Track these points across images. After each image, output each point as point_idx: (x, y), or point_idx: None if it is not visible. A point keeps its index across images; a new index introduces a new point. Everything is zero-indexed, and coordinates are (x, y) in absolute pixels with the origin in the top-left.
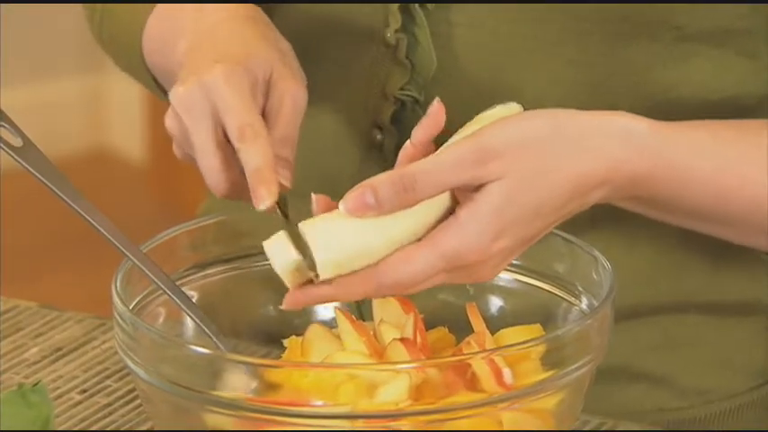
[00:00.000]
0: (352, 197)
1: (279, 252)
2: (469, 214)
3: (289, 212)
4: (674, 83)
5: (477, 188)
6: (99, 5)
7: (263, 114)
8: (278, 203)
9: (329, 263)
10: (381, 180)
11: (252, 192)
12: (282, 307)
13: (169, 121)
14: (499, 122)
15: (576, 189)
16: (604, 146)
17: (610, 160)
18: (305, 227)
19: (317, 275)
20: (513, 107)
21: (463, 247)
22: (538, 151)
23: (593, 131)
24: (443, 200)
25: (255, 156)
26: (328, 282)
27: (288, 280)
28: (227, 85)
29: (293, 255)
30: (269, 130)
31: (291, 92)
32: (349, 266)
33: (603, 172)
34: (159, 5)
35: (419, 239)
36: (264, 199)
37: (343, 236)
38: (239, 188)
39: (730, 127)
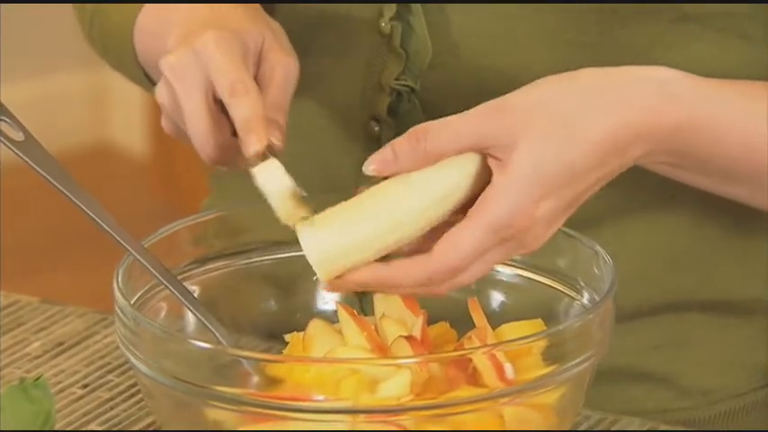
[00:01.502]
0: (374, 156)
1: (272, 178)
2: (506, 178)
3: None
4: (674, 65)
5: (508, 153)
6: (89, 6)
7: (255, 81)
8: (268, 151)
9: (324, 260)
10: (399, 137)
11: (241, 140)
12: (330, 288)
13: (160, 93)
14: (519, 89)
15: (611, 144)
16: (638, 96)
17: (646, 110)
18: (300, 229)
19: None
20: None
21: (507, 213)
22: (561, 108)
23: (624, 83)
24: (458, 171)
25: (245, 108)
26: (385, 265)
27: (281, 209)
28: (217, 50)
29: (287, 182)
30: (261, 95)
31: (282, 63)
32: (345, 260)
33: (639, 123)
34: (149, 5)
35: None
36: (253, 144)
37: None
38: (229, 153)
39: (758, 85)
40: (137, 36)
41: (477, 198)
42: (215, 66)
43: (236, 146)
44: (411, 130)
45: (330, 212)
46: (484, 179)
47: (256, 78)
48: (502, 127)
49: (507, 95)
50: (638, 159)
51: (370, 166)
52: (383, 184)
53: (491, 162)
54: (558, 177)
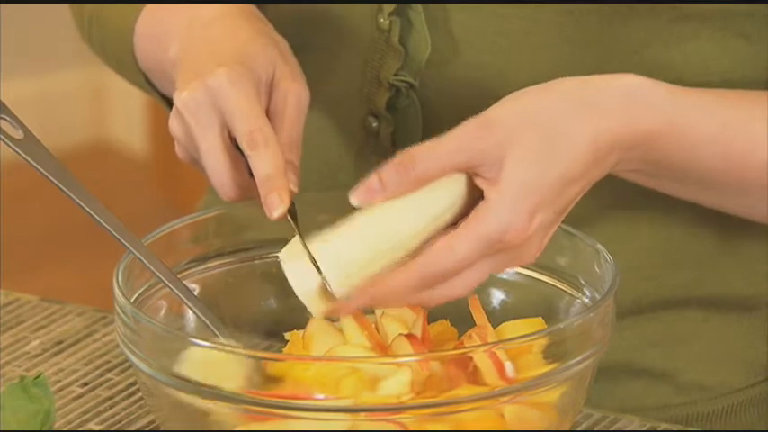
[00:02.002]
0: (359, 187)
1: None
2: (499, 194)
3: (297, 217)
4: (673, 63)
5: (496, 171)
6: (87, 8)
7: (267, 115)
8: (288, 210)
9: (342, 279)
10: (385, 166)
11: (263, 200)
12: (327, 314)
13: (173, 125)
14: (501, 101)
15: (593, 152)
16: (612, 104)
17: (621, 118)
18: (315, 250)
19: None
20: None
21: (503, 227)
22: (544, 119)
23: (598, 92)
24: (449, 192)
25: (266, 163)
26: (371, 282)
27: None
28: (232, 89)
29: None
30: (275, 129)
31: (294, 92)
32: (359, 276)
33: (616, 131)
34: (149, 5)
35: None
36: (277, 207)
37: (349, 249)
38: (246, 190)
39: (735, 93)
40: (137, 42)
41: (466, 216)
42: (232, 110)
43: (254, 184)
44: (397, 158)
45: (319, 244)
46: (472, 198)
47: (269, 110)
48: (488, 145)
49: (488, 110)
50: (613, 168)
51: (356, 198)
52: (372, 209)
53: (479, 181)
54: (548, 189)
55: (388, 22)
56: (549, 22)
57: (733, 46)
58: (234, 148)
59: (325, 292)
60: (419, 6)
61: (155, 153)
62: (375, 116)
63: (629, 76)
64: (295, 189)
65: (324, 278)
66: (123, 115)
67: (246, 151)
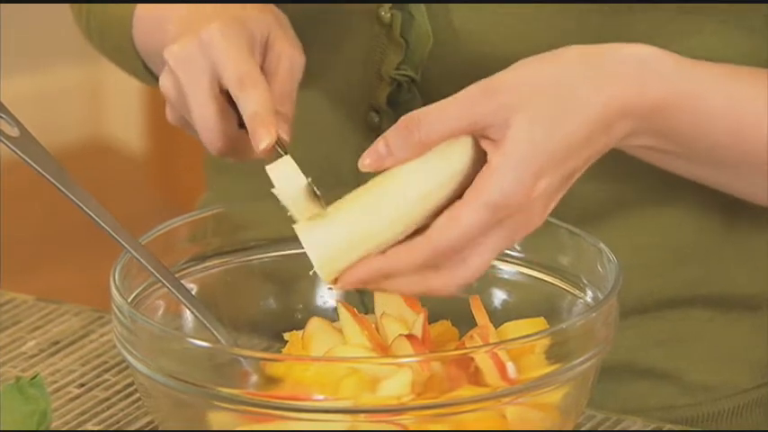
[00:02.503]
0: (366, 153)
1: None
2: (502, 157)
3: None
4: None
5: (502, 132)
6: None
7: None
8: (278, 145)
9: (326, 261)
10: (390, 129)
11: (251, 134)
12: (335, 288)
13: (164, 82)
14: (506, 69)
15: (600, 119)
16: (623, 72)
17: (631, 86)
18: (299, 230)
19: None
20: None
21: (506, 192)
22: (552, 83)
23: (608, 59)
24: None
25: (254, 101)
26: (381, 254)
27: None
28: (224, 39)
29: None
30: (268, 85)
31: (288, 53)
32: (347, 259)
33: (624, 99)
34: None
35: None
36: (263, 138)
37: (336, 230)
38: (234, 144)
39: (744, 69)
40: (136, 26)
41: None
42: (221, 56)
43: (243, 137)
44: (401, 120)
45: (330, 210)
46: (479, 162)
47: (262, 68)
48: (494, 107)
49: (496, 75)
50: (623, 140)
51: (364, 162)
52: (378, 177)
53: (485, 143)
54: (555, 153)
55: (389, 15)
56: (551, 15)
57: (737, 39)
58: (224, 101)
59: (305, 199)
60: None
61: (152, 151)
62: (376, 111)
63: (639, 45)
64: (286, 137)
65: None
66: (120, 113)
67: (235, 93)
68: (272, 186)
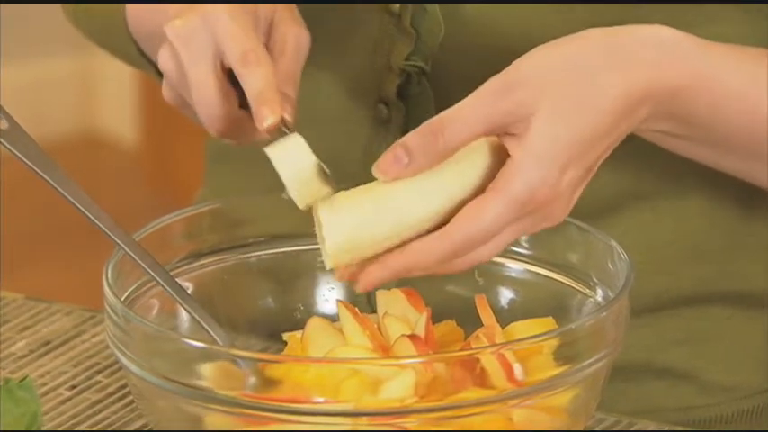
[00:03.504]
0: (383, 159)
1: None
2: (525, 152)
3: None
4: None
5: (524, 127)
6: None
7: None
8: (282, 125)
9: (340, 248)
10: (410, 134)
11: (254, 113)
12: (358, 290)
13: (163, 58)
14: (526, 55)
15: (624, 104)
16: (642, 55)
17: (651, 69)
18: (319, 209)
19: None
20: None
21: (531, 187)
22: (571, 70)
23: (626, 42)
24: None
25: (259, 79)
26: (399, 251)
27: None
28: (228, 17)
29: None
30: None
31: (294, 32)
32: (361, 253)
33: (646, 83)
34: None
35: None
36: (267, 116)
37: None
38: (235, 125)
39: (764, 52)
40: (131, 7)
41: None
42: (225, 33)
43: (244, 119)
44: (425, 126)
45: (350, 199)
46: (500, 158)
47: (267, 48)
48: (515, 104)
49: (514, 66)
50: (642, 124)
51: (381, 171)
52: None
53: (507, 139)
54: (579, 145)
55: (399, 5)
56: (565, 6)
57: (757, 27)
58: (226, 81)
59: (315, 179)
60: None
61: (146, 144)
62: (385, 104)
63: (657, 27)
64: (290, 119)
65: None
66: (113, 104)
67: (239, 70)
68: (274, 180)
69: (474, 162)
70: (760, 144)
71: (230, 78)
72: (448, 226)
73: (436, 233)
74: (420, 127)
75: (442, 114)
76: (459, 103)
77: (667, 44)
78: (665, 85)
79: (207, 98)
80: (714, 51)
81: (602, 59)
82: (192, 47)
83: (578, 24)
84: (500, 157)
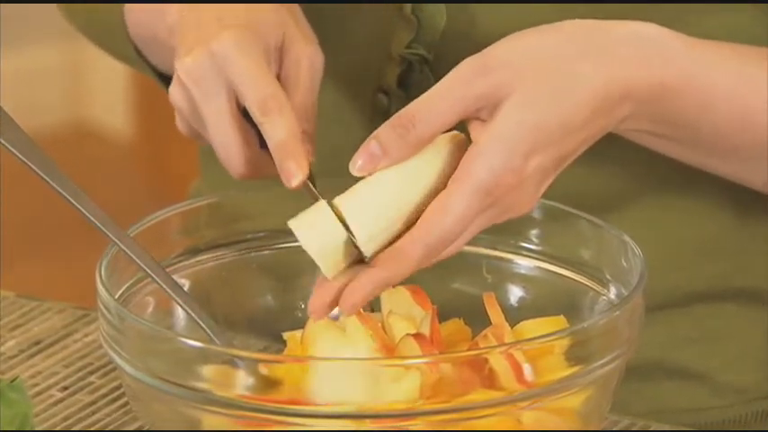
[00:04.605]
0: (358, 154)
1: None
2: (490, 136)
3: (316, 185)
4: (707, 33)
5: (491, 112)
6: None
7: (279, 81)
8: (309, 179)
9: (370, 238)
10: (382, 127)
11: (279, 167)
12: (343, 316)
13: (175, 95)
14: (502, 40)
15: (602, 99)
16: (626, 51)
17: (633, 67)
18: (340, 203)
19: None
20: None
21: (494, 172)
22: (550, 58)
23: (613, 36)
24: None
25: (281, 129)
26: (371, 267)
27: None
28: (240, 54)
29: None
30: (288, 96)
31: (307, 55)
32: (384, 237)
33: (626, 80)
34: None
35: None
36: (296, 174)
37: (374, 206)
38: (257, 166)
39: (755, 50)
40: (129, 9)
41: None
42: (239, 74)
43: (265, 158)
44: (394, 118)
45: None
46: (463, 147)
47: (280, 77)
48: (488, 88)
49: (489, 49)
50: (622, 123)
51: (357, 166)
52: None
53: (473, 125)
54: (548, 133)
55: None
56: None
57: (759, 20)
58: (243, 120)
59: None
60: None
61: (140, 135)
62: (385, 93)
63: (645, 24)
64: (310, 158)
65: (351, 233)
66: (105, 93)
67: (259, 119)
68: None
69: (442, 146)
70: (750, 146)
71: (247, 115)
72: (414, 229)
73: (406, 238)
74: (392, 119)
75: (413, 104)
76: (430, 91)
77: (653, 42)
78: (649, 84)
79: (226, 140)
80: (702, 50)
81: (582, 50)
82: (205, 87)
83: (584, 13)
84: (463, 141)
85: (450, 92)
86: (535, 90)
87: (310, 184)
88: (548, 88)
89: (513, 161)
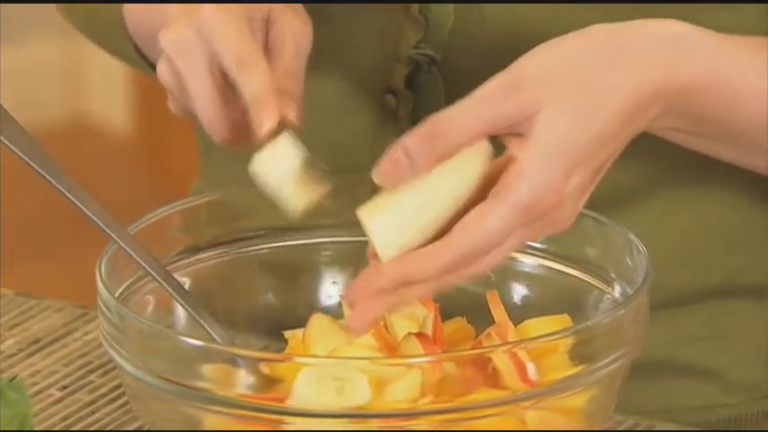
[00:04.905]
0: (383, 162)
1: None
2: (530, 154)
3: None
4: (722, 27)
5: (528, 127)
6: None
7: (264, 53)
8: (285, 125)
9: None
10: (409, 137)
11: (252, 118)
12: (352, 328)
13: (162, 71)
14: (530, 53)
15: (633, 105)
16: (653, 52)
17: (661, 67)
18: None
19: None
20: None
21: (534, 192)
22: (581, 69)
23: (638, 39)
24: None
25: (255, 82)
26: (397, 259)
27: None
28: (221, 21)
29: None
30: (272, 65)
31: (292, 27)
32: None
33: (656, 81)
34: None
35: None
36: (265, 120)
37: (399, 222)
38: (240, 132)
39: None
40: (129, 8)
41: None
42: (219, 38)
43: (250, 124)
44: (426, 126)
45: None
46: (503, 158)
47: (266, 47)
48: (520, 104)
49: (518, 64)
50: (652, 123)
51: (381, 175)
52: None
53: (509, 139)
54: (586, 147)
55: None
56: None
57: None
58: (226, 87)
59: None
60: None
61: (140, 131)
62: (393, 93)
63: (669, 22)
64: (294, 119)
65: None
66: (105, 90)
67: (234, 74)
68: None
69: (475, 158)
70: None
71: (233, 85)
72: (448, 236)
73: (438, 242)
74: (420, 129)
75: (443, 115)
76: (460, 104)
77: (679, 40)
78: (677, 83)
79: (209, 108)
80: (730, 45)
81: (610, 58)
82: (188, 56)
83: (596, 12)
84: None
85: (481, 106)
86: (569, 106)
87: (284, 131)
88: (580, 101)
89: (555, 180)
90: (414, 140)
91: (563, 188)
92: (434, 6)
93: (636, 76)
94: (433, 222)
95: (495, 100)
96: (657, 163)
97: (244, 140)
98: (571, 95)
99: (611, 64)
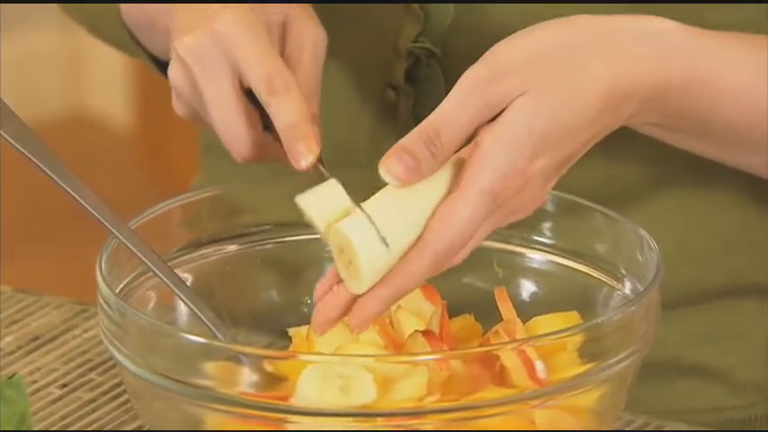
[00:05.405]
0: (395, 167)
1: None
2: (494, 139)
3: (326, 167)
4: (726, 25)
5: (497, 115)
6: None
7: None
8: (319, 161)
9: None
10: (411, 141)
11: (288, 149)
12: (352, 325)
13: (174, 74)
14: (509, 39)
15: (607, 98)
16: (636, 48)
17: (639, 64)
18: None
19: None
20: None
21: (499, 175)
22: (558, 59)
23: (621, 32)
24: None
25: (288, 110)
26: (382, 284)
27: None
28: (242, 32)
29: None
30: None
31: (311, 34)
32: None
33: (631, 78)
34: None
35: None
36: (305, 155)
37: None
38: (262, 148)
39: (763, 39)
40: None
41: None
42: (242, 52)
43: (269, 141)
44: (421, 131)
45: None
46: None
47: (283, 56)
48: (500, 95)
49: (496, 51)
50: (628, 120)
51: (396, 175)
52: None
53: (481, 127)
54: (553, 134)
55: None
56: None
57: None
58: (247, 100)
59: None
60: None
61: (140, 125)
62: (393, 88)
63: (655, 19)
64: (318, 142)
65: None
66: (105, 83)
67: (265, 99)
68: (274, 167)
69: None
70: (761, 139)
71: (250, 97)
72: (424, 236)
73: (414, 250)
74: (417, 133)
75: (431, 117)
76: (445, 104)
77: (662, 37)
78: (656, 80)
79: (229, 120)
80: (715, 43)
81: (592, 49)
82: (207, 67)
83: (597, 5)
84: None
85: (464, 103)
86: (542, 93)
87: (321, 166)
88: (555, 91)
89: (517, 162)
90: (418, 147)
91: (526, 170)
92: (433, 1)
93: (614, 71)
94: (418, 223)
95: (479, 95)
96: (658, 162)
97: (264, 158)
98: (548, 84)
99: (592, 56)
